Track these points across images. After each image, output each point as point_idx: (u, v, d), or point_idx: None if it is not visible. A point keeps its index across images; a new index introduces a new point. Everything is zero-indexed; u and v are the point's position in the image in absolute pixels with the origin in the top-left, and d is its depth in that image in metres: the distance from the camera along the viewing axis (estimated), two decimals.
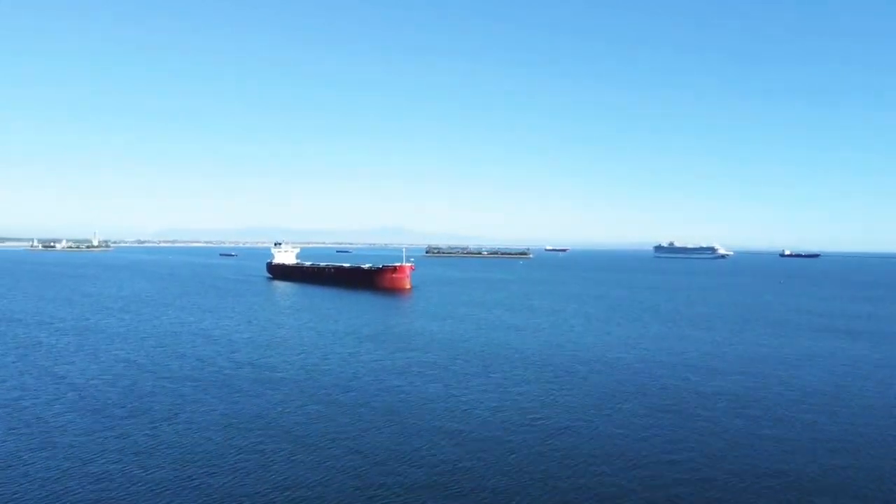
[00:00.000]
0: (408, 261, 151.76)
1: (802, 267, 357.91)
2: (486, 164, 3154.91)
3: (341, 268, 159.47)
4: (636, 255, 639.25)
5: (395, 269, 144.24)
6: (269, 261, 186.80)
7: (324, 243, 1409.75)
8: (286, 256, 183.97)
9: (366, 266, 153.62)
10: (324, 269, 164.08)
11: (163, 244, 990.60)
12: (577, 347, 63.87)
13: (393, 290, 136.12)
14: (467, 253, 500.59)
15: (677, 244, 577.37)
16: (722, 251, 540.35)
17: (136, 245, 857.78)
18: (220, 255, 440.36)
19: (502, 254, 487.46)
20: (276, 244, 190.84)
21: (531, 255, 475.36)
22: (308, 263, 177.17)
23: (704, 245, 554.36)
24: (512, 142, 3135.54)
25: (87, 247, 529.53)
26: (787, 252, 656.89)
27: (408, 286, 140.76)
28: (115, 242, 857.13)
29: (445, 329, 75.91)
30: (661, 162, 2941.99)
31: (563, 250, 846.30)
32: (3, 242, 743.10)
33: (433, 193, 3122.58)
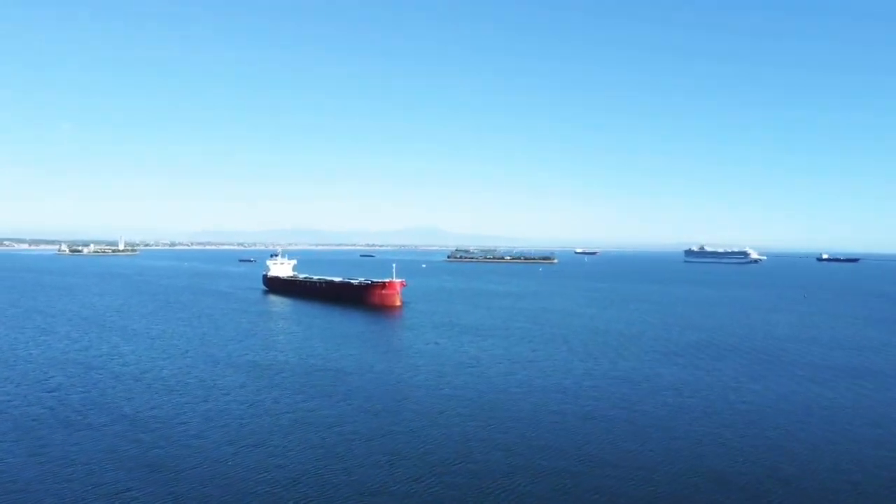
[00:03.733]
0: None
1: (838, 273, 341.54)
2: (522, 165, 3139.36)
3: (332, 282, 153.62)
4: (666, 259, 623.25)
5: (384, 285, 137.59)
6: (264, 273, 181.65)
7: (356, 245, 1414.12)
8: (282, 269, 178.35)
9: (356, 281, 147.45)
10: (316, 283, 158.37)
11: (194, 246, 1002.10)
12: (520, 395, 56.30)
13: (382, 307, 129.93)
14: (490, 258, 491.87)
15: (708, 248, 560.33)
16: (754, 255, 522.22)
17: (166, 248, 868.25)
18: (240, 260, 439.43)
19: (525, 259, 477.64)
20: (272, 255, 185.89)
21: (556, 260, 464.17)
22: (302, 276, 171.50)
23: (736, 249, 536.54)
24: (548, 144, 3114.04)
25: (114, 251, 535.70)
26: (825, 256, 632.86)
27: (398, 303, 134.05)
28: (147, 245, 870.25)
29: (391, 367, 69.07)
30: (696, 163, 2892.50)
31: (593, 253, 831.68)
32: (37, 245, 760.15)
33: (468, 194, 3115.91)
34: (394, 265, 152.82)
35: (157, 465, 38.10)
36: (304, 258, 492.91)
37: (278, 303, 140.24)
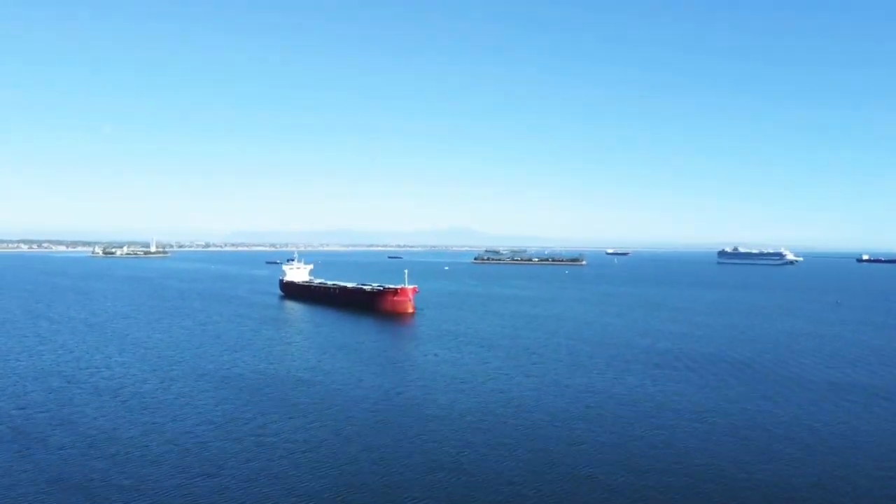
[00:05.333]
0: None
1: (879, 276, 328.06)
2: (556, 165, 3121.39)
3: (345, 288, 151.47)
4: (699, 260, 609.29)
5: (396, 291, 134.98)
6: (281, 278, 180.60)
7: (386, 246, 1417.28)
8: (298, 273, 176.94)
9: (368, 287, 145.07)
10: (330, 288, 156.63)
11: (227, 248, 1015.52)
12: (506, 416, 53.00)
13: (394, 314, 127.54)
14: (517, 260, 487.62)
15: (742, 249, 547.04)
16: (790, 257, 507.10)
17: (200, 249, 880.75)
18: (266, 262, 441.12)
19: (554, 260, 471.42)
20: (288, 260, 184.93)
21: (585, 262, 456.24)
22: (317, 282, 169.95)
23: (771, 250, 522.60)
24: (583, 144, 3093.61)
25: (146, 252, 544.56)
26: (866, 257, 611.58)
27: (409, 310, 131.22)
28: (182, 246, 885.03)
29: (380, 382, 66.43)
30: (731, 161, 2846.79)
31: (624, 254, 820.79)
32: (74, 246, 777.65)
33: (503, 195, 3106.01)
34: (406, 271, 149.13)
35: (99, 496, 35.97)
36: (331, 260, 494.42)
37: (290, 309, 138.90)
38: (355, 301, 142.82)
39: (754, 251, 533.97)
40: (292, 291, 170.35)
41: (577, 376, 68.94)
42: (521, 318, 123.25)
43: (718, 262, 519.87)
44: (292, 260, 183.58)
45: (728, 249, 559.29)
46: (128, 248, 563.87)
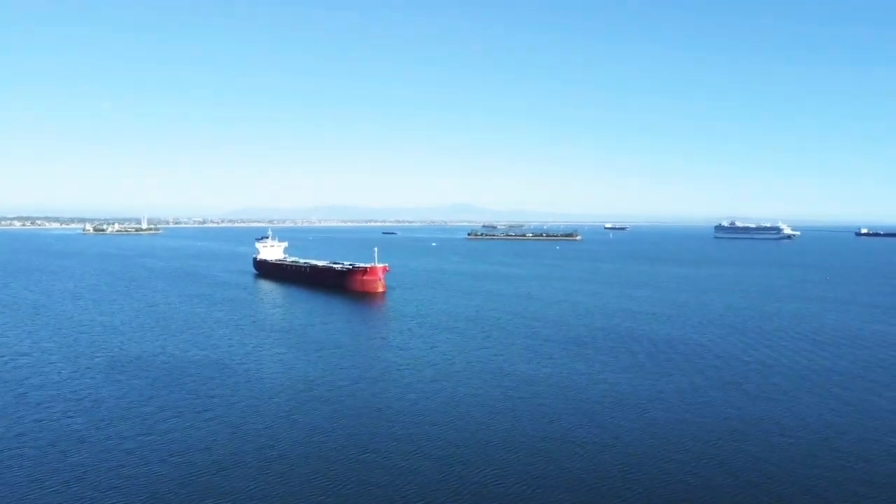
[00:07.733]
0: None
1: (876, 250, 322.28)
2: (560, 141, 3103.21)
3: (316, 267, 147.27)
4: (696, 235, 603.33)
5: (365, 270, 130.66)
6: (254, 256, 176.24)
7: (384, 222, 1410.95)
8: (271, 252, 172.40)
9: (338, 266, 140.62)
10: (301, 267, 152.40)
11: (224, 224, 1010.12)
12: (425, 412, 48.99)
13: (364, 294, 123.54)
14: (511, 235, 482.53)
15: (739, 224, 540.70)
16: (788, 231, 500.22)
17: (196, 226, 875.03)
18: (256, 239, 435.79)
19: (548, 236, 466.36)
20: (262, 237, 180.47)
21: (579, 237, 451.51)
22: (290, 260, 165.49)
23: (768, 224, 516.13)
24: (580, 118, 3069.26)
25: (136, 229, 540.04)
26: (864, 231, 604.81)
27: (379, 289, 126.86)
28: (178, 223, 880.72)
29: (310, 370, 62.38)
30: (730, 135, 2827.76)
31: (622, 228, 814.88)
32: (68, 224, 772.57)
33: (506, 171, 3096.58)
34: (375, 249, 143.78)
35: None
36: (323, 236, 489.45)
37: (257, 289, 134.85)
38: (326, 280, 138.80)
39: (751, 225, 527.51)
40: (266, 270, 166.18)
41: (523, 362, 64.72)
42: (491, 296, 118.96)
43: (715, 237, 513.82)
44: (266, 237, 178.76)
45: (725, 224, 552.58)
46: (118, 225, 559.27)
